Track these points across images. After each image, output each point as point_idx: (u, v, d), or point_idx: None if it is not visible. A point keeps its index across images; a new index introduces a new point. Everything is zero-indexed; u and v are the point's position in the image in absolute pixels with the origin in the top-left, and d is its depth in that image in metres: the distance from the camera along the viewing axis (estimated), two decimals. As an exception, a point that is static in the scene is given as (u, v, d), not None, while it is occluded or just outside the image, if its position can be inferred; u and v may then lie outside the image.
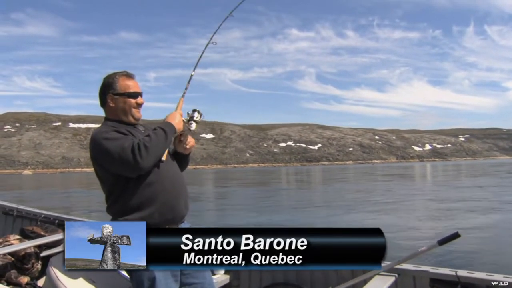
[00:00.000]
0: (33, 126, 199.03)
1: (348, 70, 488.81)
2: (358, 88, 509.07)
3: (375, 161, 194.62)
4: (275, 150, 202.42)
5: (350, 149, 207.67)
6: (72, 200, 28.54)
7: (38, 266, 4.58)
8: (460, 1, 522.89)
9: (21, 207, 5.96)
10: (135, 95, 2.83)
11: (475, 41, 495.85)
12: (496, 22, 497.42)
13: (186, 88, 3.12)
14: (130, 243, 2.50)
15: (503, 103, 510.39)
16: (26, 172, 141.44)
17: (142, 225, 2.43)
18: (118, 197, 2.69)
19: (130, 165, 2.54)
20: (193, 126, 2.92)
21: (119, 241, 2.55)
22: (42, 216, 5.65)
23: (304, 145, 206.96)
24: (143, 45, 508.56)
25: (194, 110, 2.95)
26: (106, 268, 3.93)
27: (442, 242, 3.07)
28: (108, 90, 2.83)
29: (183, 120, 2.87)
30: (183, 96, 3.08)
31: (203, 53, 3.38)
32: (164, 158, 2.71)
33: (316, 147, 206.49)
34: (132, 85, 2.84)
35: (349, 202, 21.90)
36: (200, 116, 2.96)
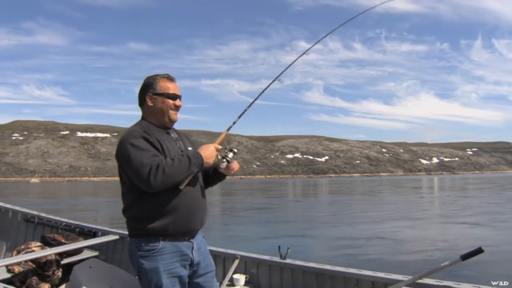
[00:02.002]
0: (41, 135, 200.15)
1: (355, 83, 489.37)
2: (366, 100, 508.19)
3: (382, 174, 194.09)
4: (282, 161, 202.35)
5: (357, 161, 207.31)
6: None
7: (59, 273, 4.59)
8: (468, 15, 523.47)
9: (42, 214, 5.97)
10: (174, 96, 2.87)
11: (483, 55, 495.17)
12: (504, 36, 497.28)
13: (234, 123, 3.10)
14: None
15: (511, 117, 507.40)
16: (34, 180, 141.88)
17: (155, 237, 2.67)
18: (134, 202, 2.71)
19: (142, 181, 2.55)
20: (224, 165, 2.91)
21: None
22: (63, 224, 5.65)
23: (311, 157, 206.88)
24: (152, 55, 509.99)
25: (231, 150, 2.95)
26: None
27: (465, 257, 3.04)
28: (148, 89, 2.88)
29: (217, 155, 2.88)
30: (228, 130, 3.06)
31: (265, 89, 3.41)
32: (182, 186, 2.69)
33: (323, 159, 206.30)
34: (172, 87, 2.89)
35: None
36: (234, 157, 2.96)
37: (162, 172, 2.53)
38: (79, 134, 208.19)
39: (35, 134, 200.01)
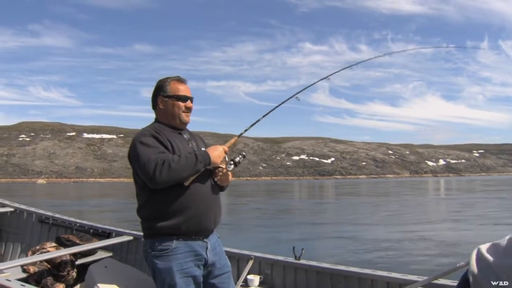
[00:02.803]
0: (47, 136, 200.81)
1: (361, 84, 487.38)
2: (371, 102, 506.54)
3: (388, 175, 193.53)
4: (288, 163, 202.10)
5: (364, 163, 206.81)
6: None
7: (73, 274, 4.61)
8: (474, 16, 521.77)
9: (57, 215, 5.99)
10: (184, 98, 2.92)
11: (489, 56, 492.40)
12: (510, 37, 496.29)
13: (245, 130, 3.18)
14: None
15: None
16: (41, 181, 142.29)
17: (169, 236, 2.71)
18: (147, 201, 2.76)
19: (148, 177, 2.60)
20: (231, 167, 2.95)
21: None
22: (78, 225, 5.68)
23: (317, 159, 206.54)
24: (157, 57, 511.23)
25: (239, 153, 3.04)
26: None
27: None
28: (159, 92, 2.94)
29: (225, 157, 2.92)
30: (239, 136, 3.16)
31: (281, 104, 3.44)
32: (186, 183, 2.71)
33: (329, 161, 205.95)
34: (182, 89, 2.94)
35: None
36: (243, 159, 3.03)
37: (167, 167, 2.57)
38: (86, 135, 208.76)
39: (41, 135, 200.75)
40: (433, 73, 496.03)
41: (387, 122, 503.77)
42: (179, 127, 2.96)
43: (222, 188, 3.07)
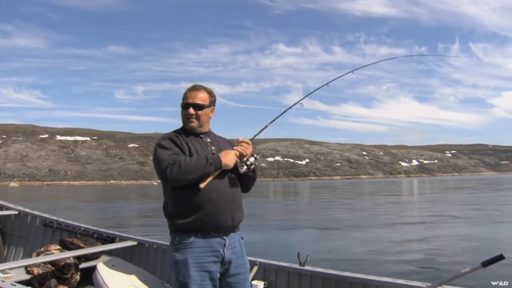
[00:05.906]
0: (19, 138, 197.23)
1: (335, 86, 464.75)
2: (345, 103, 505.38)
3: (363, 176, 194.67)
4: (262, 164, 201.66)
5: (338, 164, 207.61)
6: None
7: (77, 277, 4.64)
8: (445, 19, 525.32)
9: (61, 219, 5.98)
10: (183, 106, 3.08)
11: (460, 59, 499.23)
12: (480, 40, 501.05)
13: (255, 136, 3.37)
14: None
15: (488, 120, 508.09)
16: (13, 184, 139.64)
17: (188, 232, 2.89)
18: (168, 200, 2.96)
19: (160, 174, 2.84)
20: (243, 169, 3.05)
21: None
22: (82, 229, 5.70)
23: (291, 160, 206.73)
24: (131, 58, 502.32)
25: (251, 155, 3.10)
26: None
27: (486, 263, 3.09)
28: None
29: (237, 161, 3.02)
30: (251, 139, 3.26)
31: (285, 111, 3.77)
32: (202, 186, 2.84)
33: (303, 162, 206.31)
34: (187, 96, 3.09)
35: None
36: (255, 162, 3.10)
37: (178, 167, 2.76)
38: (59, 137, 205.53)
39: (13, 137, 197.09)
40: (406, 75, 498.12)
41: (361, 123, 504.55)
42: (193, 132, 3.09)
43: (246, 186, 3.22)
